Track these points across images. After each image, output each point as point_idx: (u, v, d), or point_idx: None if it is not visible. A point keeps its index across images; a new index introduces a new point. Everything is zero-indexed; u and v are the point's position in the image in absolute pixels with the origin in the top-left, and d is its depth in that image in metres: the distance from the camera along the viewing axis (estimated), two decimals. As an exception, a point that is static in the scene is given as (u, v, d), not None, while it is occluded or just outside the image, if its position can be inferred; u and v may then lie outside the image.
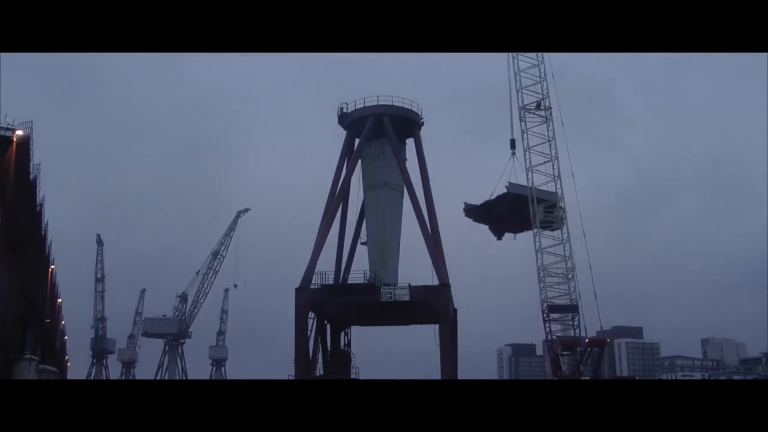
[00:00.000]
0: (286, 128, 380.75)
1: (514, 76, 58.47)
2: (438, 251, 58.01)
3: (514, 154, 58.68)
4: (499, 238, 61.20)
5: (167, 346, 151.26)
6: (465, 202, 60.60)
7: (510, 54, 57.92)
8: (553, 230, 57.05)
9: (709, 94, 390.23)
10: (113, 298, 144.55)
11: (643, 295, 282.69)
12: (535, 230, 56.41)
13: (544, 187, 57.26)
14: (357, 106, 62.27)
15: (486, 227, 62.19)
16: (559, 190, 57.08)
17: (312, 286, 57.03)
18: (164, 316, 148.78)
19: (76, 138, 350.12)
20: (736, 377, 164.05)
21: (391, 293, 55.80)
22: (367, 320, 64.91)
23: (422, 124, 63.74)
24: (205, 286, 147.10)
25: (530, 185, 57.01)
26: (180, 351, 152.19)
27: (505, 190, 57.94)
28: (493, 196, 58.74)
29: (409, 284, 56.96)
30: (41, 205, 47.37)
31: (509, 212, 58.06)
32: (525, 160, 57.72)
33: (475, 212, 60.16)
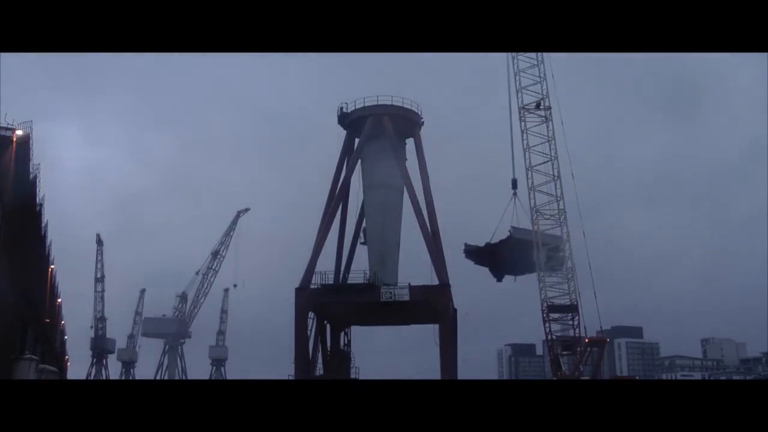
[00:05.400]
0: (286, 128, 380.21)
1: (514, 76, 58.43)
2: (438, 251, 57.98)
3: (515, 194, 58.01)
4: (499, 280, 60.63)
5: (167, 346, 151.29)
6: (465, 243, 60.05)
7: (510, 54, 57.87)
8: (556, 271, 56.66)
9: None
10: (113, 298, 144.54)
11: (643, 295, 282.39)
12: (540, 274, 56.02)
13: (543, 188, 57.15)
14: (357, 106, 62.27)
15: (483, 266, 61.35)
16: (558, 190, 56.98)
17: (312, 286, 57.03)
18: (164, 316, 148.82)
19: (75, 137, 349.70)
20: (736, 377, 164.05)
21: (391, 293, 55.79)
22: (367, 320, 64.93)
23: (422, 123, 63.74)
24: (205, 286, 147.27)
25: (535, 228, 56.12)
26: (180, 351, 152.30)
27: (508, 234, 57.25)
28: (495, 239, 58.07)
29: (409, 284, 56.94)
30: (41, 205, 47.36)
31: (511, 257, 57.27)
32: (525, 160, 57.59)
33: (476, 254, 59.43)
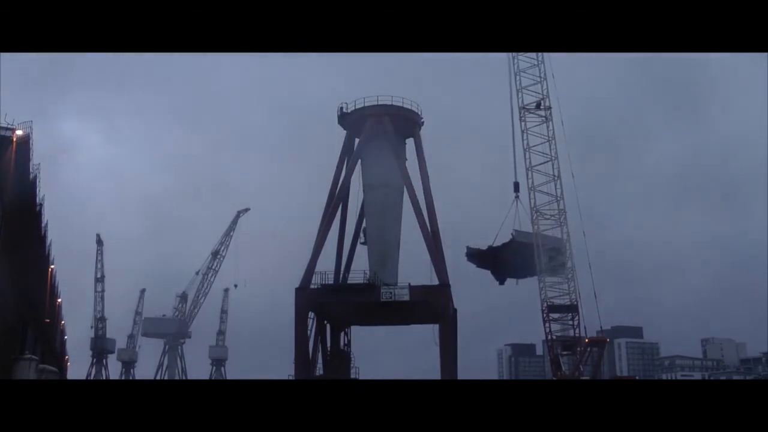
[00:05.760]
0: (286, 128, 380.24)
1: (514, 76, 58.43)
2: (438, 251, 57.97)
3: (517, 197, 57.85)
4: (502, 283, 60.54)
5: (167, 346, 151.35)
6: (468, 246, 59.97)
7: (510, 54, 57.88)
8: (557, 274, 56.62)
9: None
10: (113, 298, 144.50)
11: (643, 295, 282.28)
12: (540, 276, 55.98)
13: (543, 188, 57.15)
14: (357, 106, 62.26)
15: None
16: (559, 190, 57.00)
17: (312, 286, 57.03)
18: (164, 316, 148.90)
19: (75, 137, 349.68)
20: (736, 377, 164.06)
21: (391, 293, 55.78)
22: (367, 320, 64.92)
23: (422, 123, 63.74)
24: (205, 285, 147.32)
25: (535, 228, 55.99)
26: (180, 351, 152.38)
27: (511, 237, 57.12)
28: (497, 242, 58.01)
29: (409, 284, 56.93)
30: (41, 205, 47.39)
31: (514, 260, 57.13)
32: (525, 160, 57.57)
33: (478, 257, 59.30)
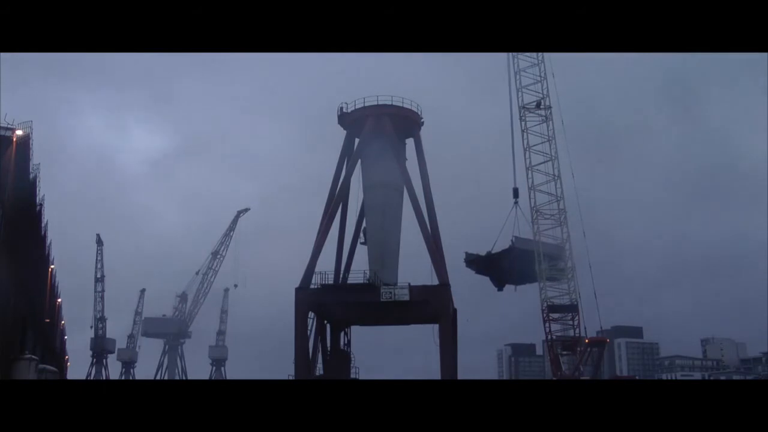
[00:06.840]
0: (286, 128, 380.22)
1: (514, 75, 58.49)
2: (438, 251, 57.96)
3: (516, 203, 57.90)
4: (500, 289, 60.51)
5: (167, 346, 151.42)
6: (466, 252, 59.88)
7: (510, 54, 57.92)
8: (558, 281, 56.56)
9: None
10: (113, 298, 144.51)
11: (644, 294, 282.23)
12: (541, 284, 56.00)
13: (543, 187, 57.21)
14: (357, 106, 62.21)
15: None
16: (559, 190, 57.07)
17: (312, 286, 56.98)
18: (164, 316, 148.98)
19: (75, 136, 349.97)
20: (736, 377, 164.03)
21: (390, 293, 55.74)
22: (367, 320, 64.86)
23: (422, 123, 63.73)
24: (205, 286, 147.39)
25: (536, 235, 55.93)
26: (180, 351, 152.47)
27: (511, 244, 57.06)
28: (496, 249, 57.93)
29: (409, 284, 56.90)
30: (41, 205, 47.40)
31: (513, 267, 57.11)
32: (525, 159, 57.65)
33: (477, 264, 59.24)
